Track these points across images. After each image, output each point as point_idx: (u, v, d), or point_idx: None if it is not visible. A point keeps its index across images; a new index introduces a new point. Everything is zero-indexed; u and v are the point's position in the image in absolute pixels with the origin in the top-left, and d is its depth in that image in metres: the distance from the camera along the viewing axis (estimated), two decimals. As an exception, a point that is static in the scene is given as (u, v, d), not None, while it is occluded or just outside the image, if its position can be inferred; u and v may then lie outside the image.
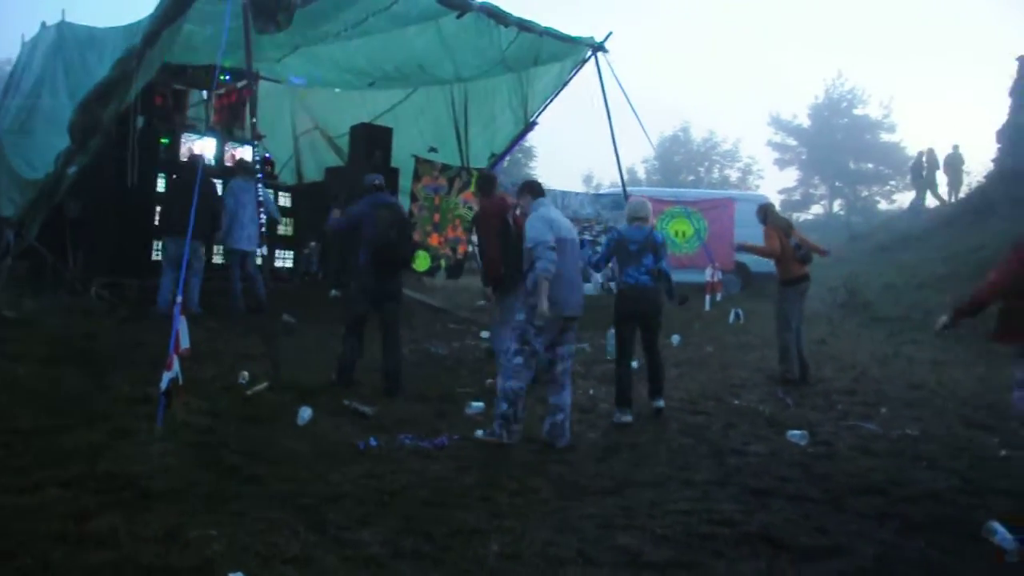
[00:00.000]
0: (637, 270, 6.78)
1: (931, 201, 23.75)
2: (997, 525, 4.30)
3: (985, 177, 21.37)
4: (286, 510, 4.09)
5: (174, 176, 10.18)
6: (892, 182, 43.20)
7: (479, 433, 5.55)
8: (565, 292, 5.66)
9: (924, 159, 23.61)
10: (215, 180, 11.24)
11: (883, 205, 42.32)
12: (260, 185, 8.15)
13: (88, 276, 9.71)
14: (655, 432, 6.25)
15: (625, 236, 6.84)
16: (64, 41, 10.43)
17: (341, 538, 3.84)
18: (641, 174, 48.80)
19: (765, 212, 9.00)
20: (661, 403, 6.84)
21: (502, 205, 7.99)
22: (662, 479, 5.10)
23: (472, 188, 13.23)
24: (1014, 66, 19.71)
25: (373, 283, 7.11)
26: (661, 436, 6.13)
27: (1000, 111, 20.92)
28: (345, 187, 11.74)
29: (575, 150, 75.26)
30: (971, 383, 8.58)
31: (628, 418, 6.57)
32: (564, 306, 5.66)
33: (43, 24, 11.16)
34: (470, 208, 13.07)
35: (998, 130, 20.57)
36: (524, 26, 10.60)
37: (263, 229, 7.40)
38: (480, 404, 6.61)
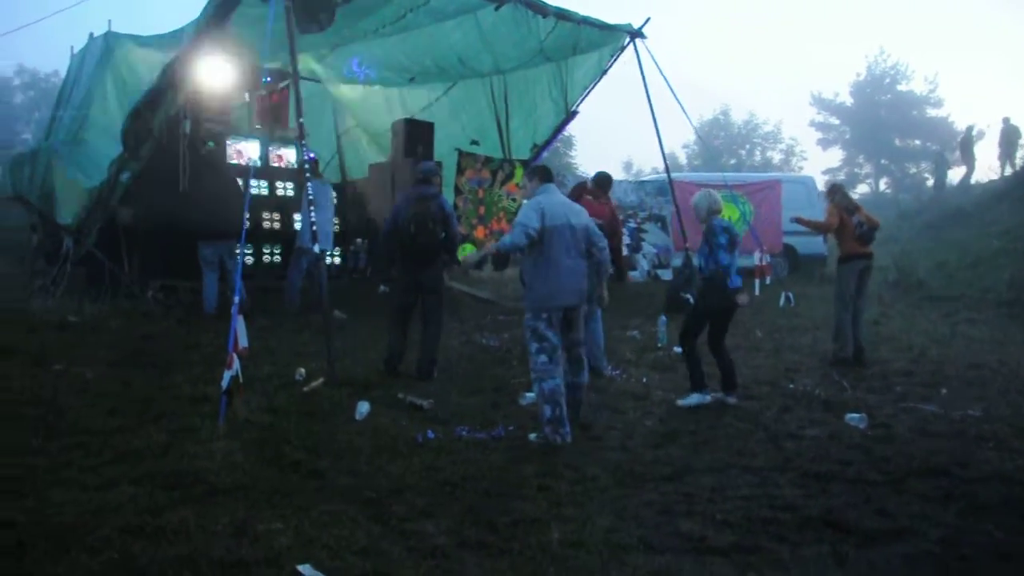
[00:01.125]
0: (715, 262, 6.68)
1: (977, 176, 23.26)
2: (1066, 505, 4.23)
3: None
4: (350, 503, 4.16)
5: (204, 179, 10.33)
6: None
7: (532, 437, 5.54)
8: (555, 283, 5.57)
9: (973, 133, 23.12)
10: (253, 181, 11.41)
11: (931, 182, 41.44)
12: (325, 184, 8.21)
13: (144, 280, 9.92)
14: (711, 419, 6.21)
15: (731, 229, 6.76)
16: (111, 51, 10.67)
17: (405, 530, 3.89)
18: (682, 159, 48.35)
19: (832, 190, 8.95)
20: (733, 399, 6.71)
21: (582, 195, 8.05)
22: (721, 465, 5.08)
23: (516, 179, 13.28)
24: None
25: (407, 275, 7.25)
26: (717, 422, 6.10)
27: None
28: (388, 183, 11.87)
29: (614, 137, 74.82)
30: (1026, 361, 8.39)
31: (709, 398, 6.58)
32: (554, 297, 5.59)
33: (91, 36, 11.42)
34: (514, 200, 13.11)
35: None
36: (562, 15, 10.58)
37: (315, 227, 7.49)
38: (533, 394, 6.63)
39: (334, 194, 12.13)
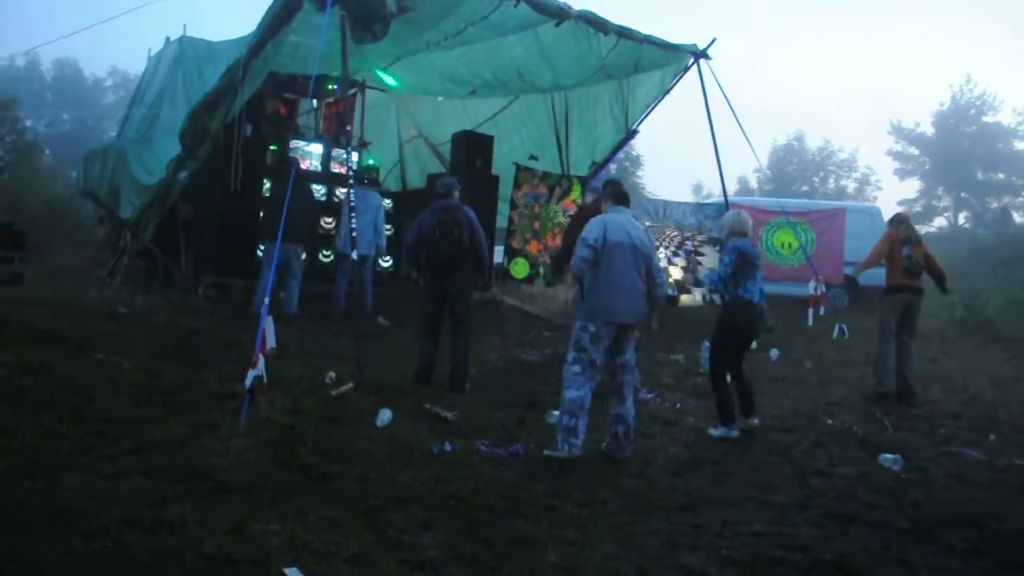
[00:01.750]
0: (755, 285, 6.60)
1: None
2: (1104, 567, 3.98)
3: None
4: (351, 510, 4.16)
5: (272, 183, 10.57)
6: (1024, 194, 40.82)
7: (546, 452, 5.48)
8: (611, 297, 5.53)
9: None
10: (317, 186, 11.62)
11: (1018, 218, 39.93)
12: (372, 192, 8.33)
13: (197, 276, 10.18)
14: (738, 449, 6.06)
15: (748, 251, 6.65)
16: (184, 54, 11.03)
17: (400, 540, 3.87)
18: (753, 184, 47.65)
19: (893, 219, 8.76)
20: (755, 420, 6.64)
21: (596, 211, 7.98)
22: (739, 498, 4.93)
23: (573, 196, 13.25)
24: None
25: (437, 282, 7.30)
26: (744, 454, 5.94)
27: None
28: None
29: (684, 158, 74.18)
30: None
31: (736, 432, 6.41)
32: (609, 311, 5.53)
33: (167, 39, 11.83)
34: (570, 216, 13.06)
35: None
36: (623, 33, 10.54)
37: (354, 234, 7.60)
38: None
39: (387, 201, 12.28)
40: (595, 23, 10.09)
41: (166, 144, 10.13)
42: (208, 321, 8.74)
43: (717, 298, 12.69)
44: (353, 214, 7.52)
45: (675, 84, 12.65)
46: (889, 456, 5.86)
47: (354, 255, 7.54)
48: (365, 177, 11.78)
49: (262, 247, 10.13)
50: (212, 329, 8.39)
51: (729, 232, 6.82)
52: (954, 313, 13.97)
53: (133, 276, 10.05)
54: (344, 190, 11.54)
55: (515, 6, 9.07)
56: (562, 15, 9.67)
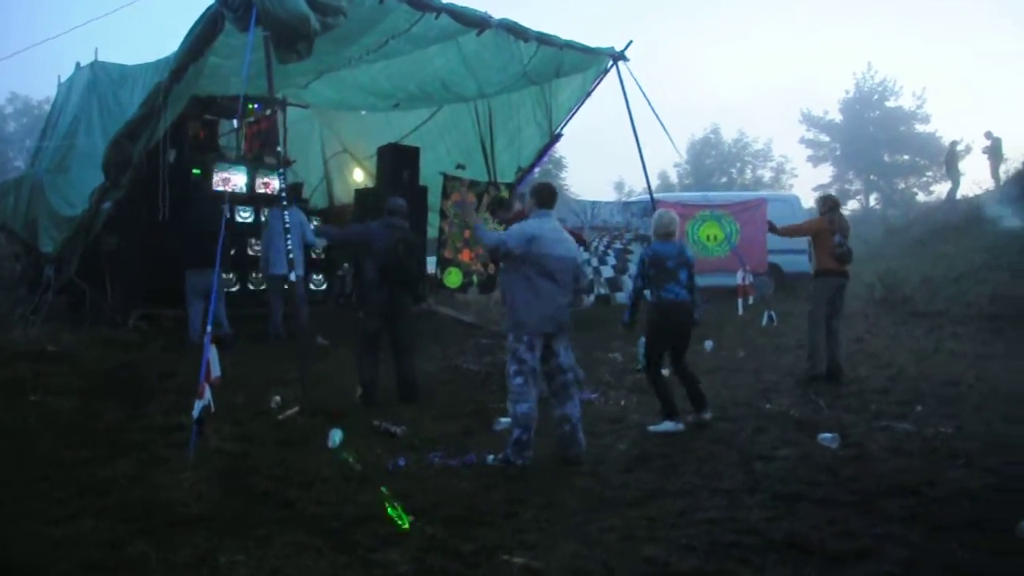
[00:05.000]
0: (676, 285, 6.76)
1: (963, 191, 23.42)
2: (1031, 524, 4.24)
3: (1023, 163, 20.94)
4: (315, 533, 4.18)
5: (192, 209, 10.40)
6: (929, 173, 42.44)
7: (490, 459, 5.57)
8: (536, 306, 5.60)
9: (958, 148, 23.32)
10: (243, 207, 11.50)
11: (921, 197, 41.58)
12: (295, 210, 8.31)
13: (126, 308, 9.95)
14: (684, 441, 6.24)
15: (660, 253, 6.81)
16: (97, 80, 10.74)
17: (369, 559, 3.91)
18: (673, 178, 48.52)
19: (825, 202, 9.02)
20: (708, 415, 6.77)
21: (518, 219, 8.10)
22: (690, 488, 5.10)
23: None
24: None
25: (383, 299, 7.31)
26: (690, 445, 6.12)
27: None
28: (374, 207, 11.91)
29: (605, 158, 75.18)
30: (1012, 377, 8.41)
31: (681, 426, 6.57)
32: (532, 324, 5.61)
33: (77, 64, 11.51)
34: (500, 223, 13.16)
35: (1034, 115, 20.16)
36: (544, 40, 10.67)
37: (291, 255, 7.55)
38: (508, 420, 6.65)
39: (316, 219, 12.23)
40: (516, 31, 10.20)
41: (86, 174, 9.87)
42: (142, 354, 8.57)
43: (648, 294, 12.93)
44: (289, 235, 7.47)
45: (596, 86, 12.85)
46: (827, 435, 6.12)
47: (292, 276, 7.48)
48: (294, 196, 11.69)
49: (186, 276, 9.97)
50: (148, 361, 8.23)
51: (654, 235, 6.99)
52: (874, 293, 14.51)
53: (57, 312, 9.77)
54: (267, 210, 11.48)
55: (436, 18, 9.12)
56: (483, 24, 9.76)
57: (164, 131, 9.00)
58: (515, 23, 10.16)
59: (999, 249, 15.82)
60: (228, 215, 10.10)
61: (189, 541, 3.93)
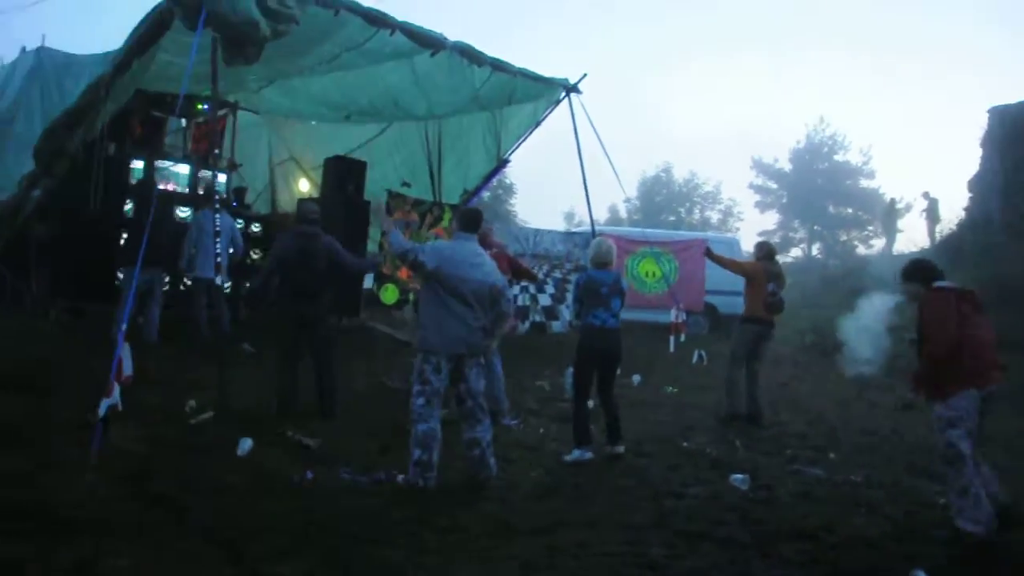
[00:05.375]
0: (606, 312, 6.85)
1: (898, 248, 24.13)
2: (921, 573, 4.34)
3: (957, 225, 21.63)
4: (208, 542, 4.09)
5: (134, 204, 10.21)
6: (870, 227, 43.58)
7: (399, 479, 5.53)
8: (446, 328, 5.59)
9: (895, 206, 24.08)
10: (184, 208, 11.32)
11: (862, 250, 42.65)
12: (225, 214, 8.20)
13: (50, 300, 9.68)
14: (598, 473, 6.26)
15: (595, 279, 6.91)
16: (42, 66, 10.48)
17: (258, 571, 3.84)
18: (623, 213, 49.05)
19: (761, 248, 9.17)
20: (621, 449, 6.82)
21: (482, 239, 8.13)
22: (595, 520, 5.11)
23: (444, 223, 13.34)
24: (985, 117, 20.07)
25: (297, 310, 7.26)
26: (603, 477, 6.15)
27: (972, 161, 21.25)
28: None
29: (557, 187, 75.81)
30: (925, 430, 8.60)
31: (589, 455, 6.60)
32: (443, 344, 5.60)
33: (23, 48, 11.23)
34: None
35: (970, 180, 20.89)
36: (498, 66, 10.73)
37: (219, 259, 7.45)
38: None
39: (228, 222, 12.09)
40: (470, 55, 10.24)
41: (20, 160, 9.63)
42: (60, 348, 8.33)
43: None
44: (218, 238, 7.37)
45: (547, 116, 12.96)
46: (739, 476, 6.20)
47: (218, 280, 7.36)
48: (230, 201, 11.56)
49: (121, 272, 9.75)
50: (64, 356, 8.00)
51: (592, 262, 7.09)
52: (805, 339, 14.80)
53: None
54: (189, 212, 11.28)
55: (391, 35, 9.12)
56: (437, 46, 9.78)
57: (103, 124, 8.84)
58: (470, 47, 10.21)
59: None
60: (169, 214, 9.93)
61: (73, 546, 3.80)
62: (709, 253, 9.58)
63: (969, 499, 5.01)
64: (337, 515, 4.72)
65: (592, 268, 7.06)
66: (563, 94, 12.38)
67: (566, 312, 14.19)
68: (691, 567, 4.40)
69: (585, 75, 12.29)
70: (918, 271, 5.56)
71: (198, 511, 4.52)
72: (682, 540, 4.84)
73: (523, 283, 12.19)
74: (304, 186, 14.89)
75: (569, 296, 14.02)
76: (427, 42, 9.78)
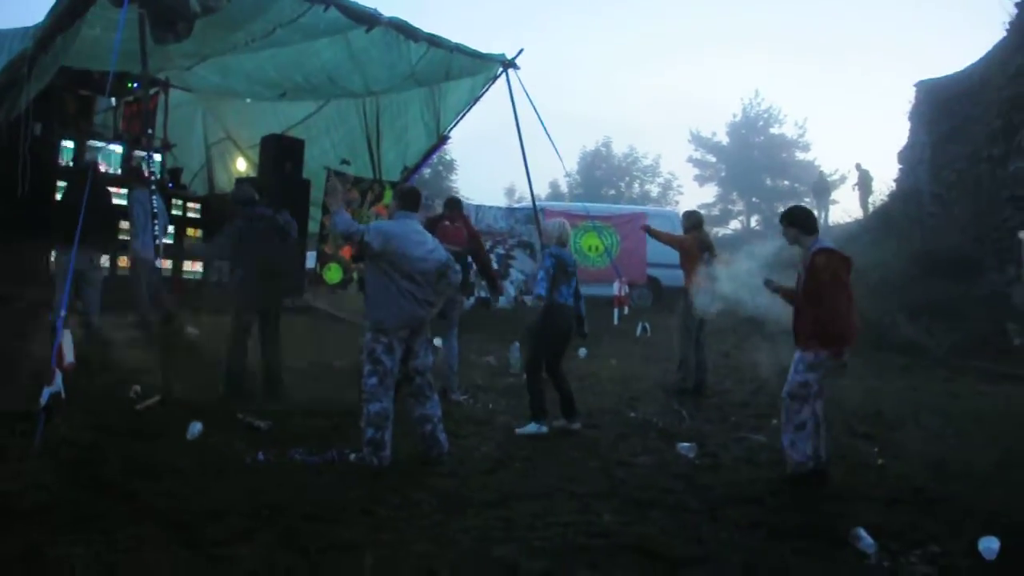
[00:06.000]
0: (568, 290, 6.98)
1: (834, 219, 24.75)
2: (861, 531, 4.51)
3: (888, 196, 22.23)
4: (161, 526, 4.05)
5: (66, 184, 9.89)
6: (807, 199, 44.50)
7: (352, 456, 5.54)
8: (395, 305, 5.61)
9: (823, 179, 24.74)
10: (116, 189, 11.02)
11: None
12: (155, 195, 8.00)
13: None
14: (548, 445, 6.35)
15: (563, 257, 7.02)
16: (-50, 43, 10.08)
17: (215, 554, 3.81)
18: (564, 188, 49.24)
19: (690, 218, 9.27)
20: (577, 424, 6.92)
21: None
22: (548, 491, 5.18)
23: (386, 201, 13.25)
24: (912, 91, 20.58)
25: (258, 294, 7.16)
26: (553, 449, 6.24)
27: (901, 134, 21.86)
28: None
29: (497, 163, 75.87)
30: (860, 395, 8.91)
31: (546, 428, 6.69)
32: (393, 319, 5.62)
33: (-72, 26, 10.78)
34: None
35: (899, 152, 21.44)
36: (434, 41, 10.62)
37: (157, 241, 7.31)
38: (688, 445, 6.56)
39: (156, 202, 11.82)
40: (405, 30, 10.13)
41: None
42: (-7, 336, 8.08)
43: (528, 299, 13.19)
44: (156, 220, 7.22)
45: (485, 92, 12.89)
46: (685, 444, 6.35)
47: (158, 262, 7.23)
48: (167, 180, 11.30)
49: (54, 255, 9.46)
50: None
51: (556, 240, 7.14)
52: (745, 309, 15.07)
53: None
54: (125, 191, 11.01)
55: (325, 10, 8.97)
56: (372, 21, 9.65)
57: (27, 103, 8.53)
58: (405, 22, 10.09)
59: (863, 275, 16.67)
60: (101, 195, 9.62)
61: (18, 535, 3.73)
62: (647, 229, 9.68)
63: (804, 432, 5.49)
64: (291, 495, 4.70)
65: (555, 247, 7.11)
66: (500, 70, 12.34)
67: (510, 288, 14.27)
68: (642, 533, 4.51)
69: (522, 50, 12.24)
70: (799, 217, 5.91)
71: (149, 496, 4.47)
72: (632, 508, 4.95)
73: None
74: (241, 165, 14.60)
75: (513, 271, 14.11)
76: (361, 17, 9.63)
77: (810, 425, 5.50)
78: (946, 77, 19.05)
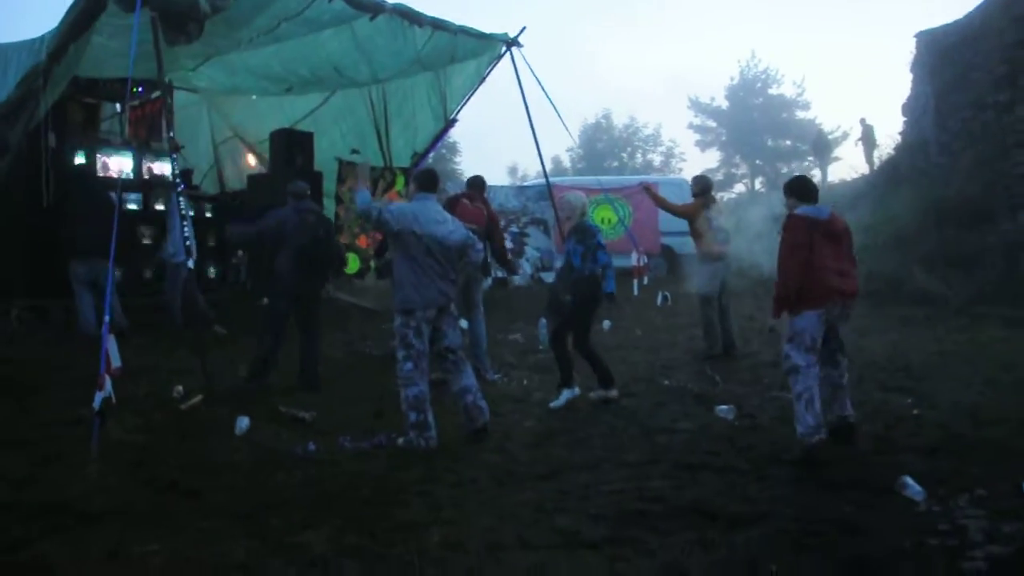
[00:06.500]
0: (595, 262, 6.98)
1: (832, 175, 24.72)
2: (908, 479, 4.59)
3: (894, 149, 22.15)
4: (227, 519, 4.14)
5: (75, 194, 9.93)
6: (810, 158, 44.39)
7: (400, 441, 5.63)
8: (422, 285, 5.68)
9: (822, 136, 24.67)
10: (132, 194, 11.10)
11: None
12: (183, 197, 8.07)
13: (7, 300, 9.47)
14: (588, 417, 6.43)
15: (591, 229, 7.09)
16: (-38, 58, 10.13)
17: (284, 542, 3.91)
18: (566, 163, 49.23)
19: (699, 184, 9.27)
20: (615, 392, 6.96)
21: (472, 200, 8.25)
22: (595, 461, 5.27)
23: (398, 187, 13.32)
24: (913, 42, 20.46)
25: (299, 284, 7.26)
26: (594, 420, 6.32)
27: (904, 86, 21.76)
28: (268, 193, 11.66)
29: (499, 142, 76.06)
30: (886, 349, 8.98)
31: (577, 391, 6.82)
32: (420, 301, 5.68)
33: (-63, 41, 10.81)
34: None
35: (903, 104, 21.33)
36: (438, 25, 10.65)
37: (188, 242, 7.38)
38: (727, 407, 6.63)
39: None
40: (410, 16, 10.15)
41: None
42: (29, 347, 8.20)
43: (546, 276, 13.24)
44: (185, 222, 7.30)
45: (490, 72, 12.91)
46: (723, 407, 6.44)
47: (190, 263, 7.30)
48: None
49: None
50: (36, 355, 7.89)
51: (581, 213, 7.19)
52: (762, 271, 15.12)
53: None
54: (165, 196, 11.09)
55: (330, 2, 9.00)
56: (377, 9, 9.67)
57: (44, 114, 8.60)
58: (409, 8, 10.11)
59: (874, 229, 16.72)
60: (108, 201, 9.68)
61: (98, 536, 3.84)
62: (653, 196, 9.62)
63: (801, 404, 5.34)
64: (347, 482, 4.80)
65: (580, 221, 7.17)
66: (504, 49, 12.35)
67: (526, 265, 14.36)
68: (695, 495, 4.60)
69: (524, 28, 12.24)
70: (795, 188, 5.78)
71: (211, 491, 4.57)
72: (681, 472, 5.04)
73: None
74: (251, 162, 14.66)
75: (528, 249, 14.19)
76: (366, 6, 9.66)
77: (807, 396, 5.32)
78: (946, 25, 18.90)
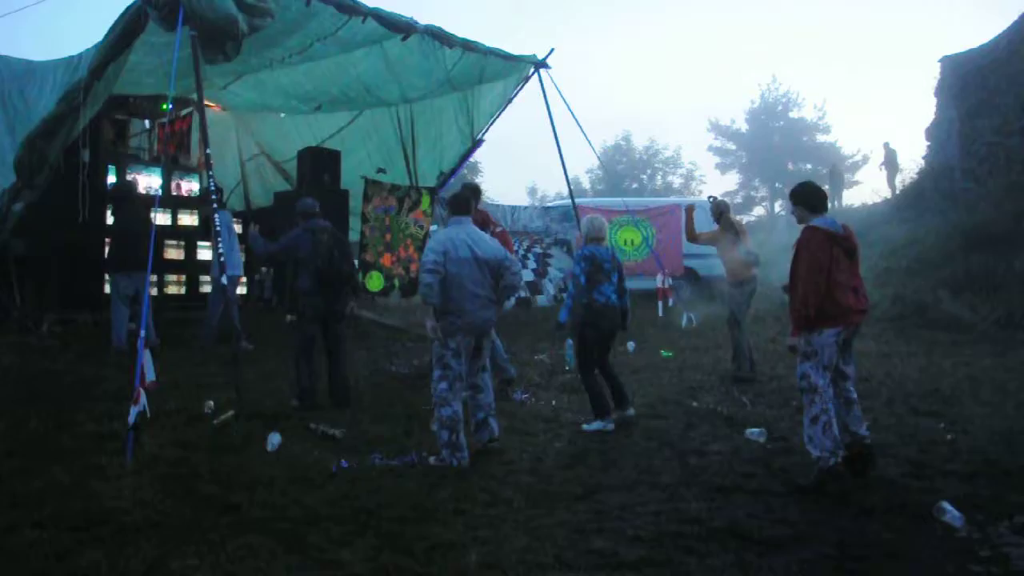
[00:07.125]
0: (609, 287, 6.91)
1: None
2: (947, 505, 4.55)
3: (917, 174, 22.09)
4: (266, 535, 4.15)
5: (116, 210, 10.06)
6: (826, 186, 44.34)
7: (432, 460, 5.64)
8: (461, 314, 5.71)
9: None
10: (160, 210, 11.22)
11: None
12: (224, 213, 8.17)
13: (39, 313, 9.58)
14: (619, 439, 6.41)
15: (597, 255, 6.94)
16: (0, 76, 10.28)
17: (323, 559, 3.91)
18: (586, 184, 49.31)
19: (718, 209, 9.26)
20: (632, 412, 6.96)
21: (483, 222, 8.18)
22: (629, 483, 5.25)
23: (423, 207, 13.37)
24: (937, 67, 20.46)
25: (320, 305, 7.29)
26: (625, 442, 6.29)
27: (927, 110, 21.75)
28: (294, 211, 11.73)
29: (519, 162, 76.09)
30: (914, 373, 8.92)
31: (612, 425, 6.71)
32: (462, 328, 5.73)
33: (-27, 60, 10.97)
34: (421, 227, 13.19)
35: (927, 128, 21.32)
36: (468, 46, 10.76)
37: (222, 258, 7.46)
38: (758, 430, 6.60)
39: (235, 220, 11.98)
40: (441, 37, 10.26)
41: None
42: (63, 359, 8.28)
43: (567, 297, 13.16)
44: (220, 237, 7.37)
45: (517, 93, 13.00)
46: (755, 430, 6.40)
47: (223, 279, 7.36)
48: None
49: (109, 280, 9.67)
50: (70, 367, 7.96)
51: (586, 238, 7.14)
52: (784, 295, 15.05)
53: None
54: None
55: (363, 22, 9.11)
56: (409, 30, 9.78)
57: (81, 130, 8.72)
58: (440, 29, 10.22)
59: (897, 254, 16.66)
60: (146, 218, 9.79)
61: (139, 549, 3.85)
62: (689, 219, 9.60)
63: (818, 427, 5.22)
64: (382, 499, 4.80)
65: (588, 244, 7.11)
66: (532, 70, 12.44)
67: (549, 286, 14.35)
68: (732, 517, 4.56)
69: (552, 50, 12.36)
70: (802, 195, 5.55)
71: (247, 506, 4.58)
72: (716, 494, 5.01)
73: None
74: (278, 180, 14.80)
75: (552, 270, 14.19)
76: (398, 27, 9.78)
77: (824, 418, 5.21)
78: (971, 51, 18.91)
